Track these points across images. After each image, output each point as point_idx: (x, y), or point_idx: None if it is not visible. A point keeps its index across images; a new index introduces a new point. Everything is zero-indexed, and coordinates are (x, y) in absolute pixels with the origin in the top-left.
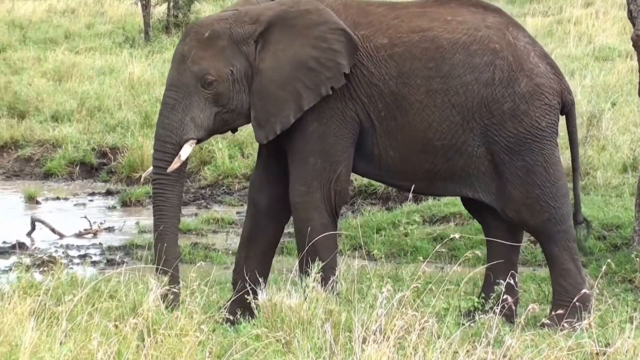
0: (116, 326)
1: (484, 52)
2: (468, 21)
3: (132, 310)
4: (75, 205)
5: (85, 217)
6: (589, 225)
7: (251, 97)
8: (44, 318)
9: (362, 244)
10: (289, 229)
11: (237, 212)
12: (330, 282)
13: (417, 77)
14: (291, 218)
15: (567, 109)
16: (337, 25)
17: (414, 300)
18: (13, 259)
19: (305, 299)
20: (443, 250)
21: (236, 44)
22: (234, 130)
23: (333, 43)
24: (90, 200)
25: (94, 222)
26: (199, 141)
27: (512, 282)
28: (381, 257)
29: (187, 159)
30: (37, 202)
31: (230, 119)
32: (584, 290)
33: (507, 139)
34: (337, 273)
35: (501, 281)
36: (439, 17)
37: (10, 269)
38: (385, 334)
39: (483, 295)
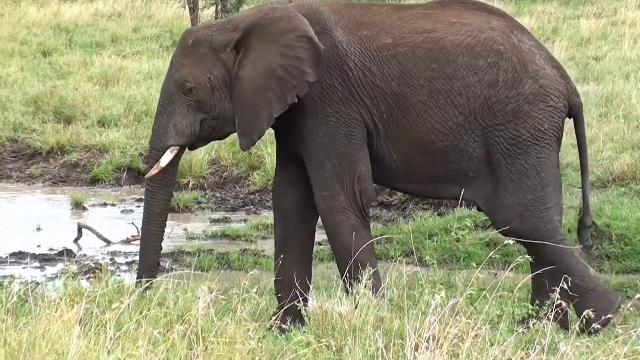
0: (164, 334)
1: (488, 53)
2: (472, 23)
3: (180, 318)
4: (122, 211)
5: (133, 223)
6: (597, 229)
7: (234, 105)
8: (91, 326)
9: (414, 249)
10: None
11: None
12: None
13: (420, 78)
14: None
15: (574, 111)
16: (304, 32)
17: (467, 307)
18: (60, 266)
19: (356, 306)
20: (496, 255)
21: (215, 52)
22: (224, 137)
23: (299, 51)
24: (138, 206)
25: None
26: (190, 147)
27: (564, 287)
28: (433, 263)
29: (173, 166)
30: (84, 209)
31: (217, 126)
32: (611, 294)
33: (507, 141)
34: (379, 274)
35: (555, 287)
36: (443, 19)
37: (57, 276)
38: (438, 341)
39: (537, 302)
